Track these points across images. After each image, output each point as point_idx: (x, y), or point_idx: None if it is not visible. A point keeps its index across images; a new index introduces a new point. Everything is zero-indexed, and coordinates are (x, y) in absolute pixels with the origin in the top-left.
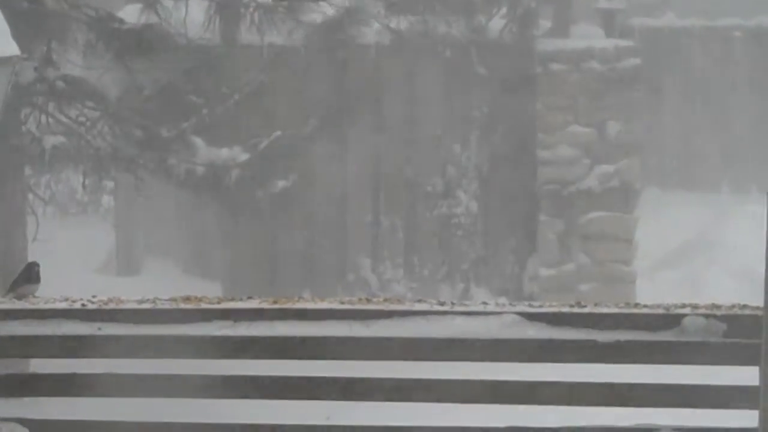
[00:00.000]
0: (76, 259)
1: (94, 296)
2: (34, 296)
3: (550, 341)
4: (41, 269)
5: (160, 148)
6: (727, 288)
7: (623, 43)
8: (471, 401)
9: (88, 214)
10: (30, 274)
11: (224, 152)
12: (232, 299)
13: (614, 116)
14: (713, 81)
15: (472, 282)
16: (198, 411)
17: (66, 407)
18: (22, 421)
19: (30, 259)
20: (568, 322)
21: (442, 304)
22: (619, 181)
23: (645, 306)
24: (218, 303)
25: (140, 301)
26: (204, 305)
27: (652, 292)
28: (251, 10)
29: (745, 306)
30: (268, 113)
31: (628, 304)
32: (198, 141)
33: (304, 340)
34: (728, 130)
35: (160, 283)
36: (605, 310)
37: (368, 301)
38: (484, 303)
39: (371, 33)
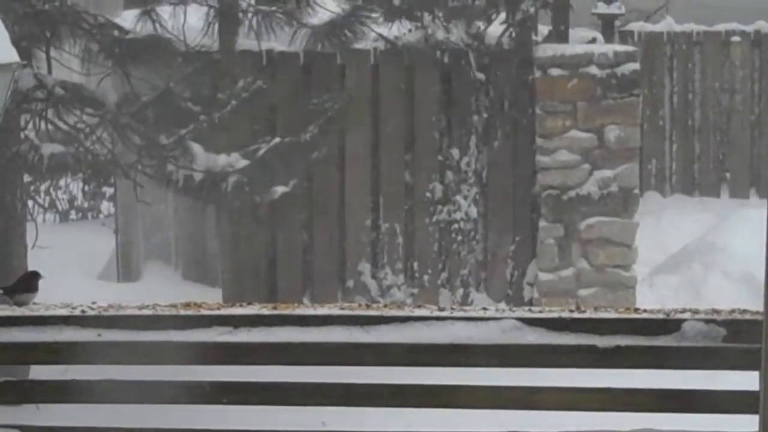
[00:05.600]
0: (76, 266)
1: (94, 302)
2: (35, 303)
3: (550, 346)
4: (40, 275)
5: (158, 155)
6: (727, 293)
7: (622, 48)
8: (471, 407)
9: (88, 220)
10: (30, 284)
11: (222, 158)
12: (232, 305)
13: (613, 121)
14: (712, 86)
15: (472, 287)
16: (197, 417)
17: (66, 414)
18: (22, 428)
19: (30, 266)
20: (567, 327)
21: (441, 309)
22: (619, 186)
23: (645, 311)
24: (218, 309)
25: (140, 308)
26: (204, 311)
27: (652, 297)
28: (250, 15)
29: (745, 311)
30: (266, 120)
31: (628, 309)
32: (196, 147)
33: (303, 346)
34: (727, 135)
35: (160, 290)
36: (605, 315)
37: (368, 306)
38: (484, 308)
39: (369, 38)
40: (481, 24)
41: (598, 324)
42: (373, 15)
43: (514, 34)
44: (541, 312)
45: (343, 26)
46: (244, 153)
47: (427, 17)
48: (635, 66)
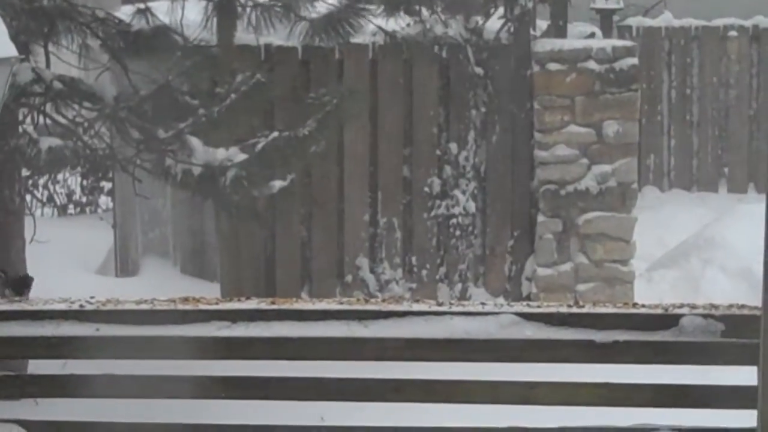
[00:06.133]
0: (74, 260)
1: (92, 297)
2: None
3: (548, 341)
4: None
5: (157, 149)
6: (725, 288)
7: (620, 43)
8: (469, 402)
9: (86, 214)
10: (23, 286)
11: (221, 152)
12: (231, 300)
13: (612, 116)
14: (710, 80)
15: (470, 282)
16: (195, 411)
17: (64, 408)
18: (20, 423)
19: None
20: (566, 322)
21: (440, 304)
22: (617, 181)
23: (643, 306)
24: (216, 304)
25: (138, 302)
26: (202, 306)
27: (650, 292)
28: (248, 10)
29: (743, 306)
30: (264, 114)
31: (626, 304)
32: (195, 141)
33: (302, 341)
34: (726, 130)
35: (158, 284)
36: (603, 310)
37: (366, 301)
38: (483, 303)
39: (368, 32)
40: (479, 19)
41: (597, 319)
42: (370, 7)
43: (512, 29)
44: (539, 307)
45: (340, 18)
46: (242, 147)
47: (425, 12)
48: (633, 61)
